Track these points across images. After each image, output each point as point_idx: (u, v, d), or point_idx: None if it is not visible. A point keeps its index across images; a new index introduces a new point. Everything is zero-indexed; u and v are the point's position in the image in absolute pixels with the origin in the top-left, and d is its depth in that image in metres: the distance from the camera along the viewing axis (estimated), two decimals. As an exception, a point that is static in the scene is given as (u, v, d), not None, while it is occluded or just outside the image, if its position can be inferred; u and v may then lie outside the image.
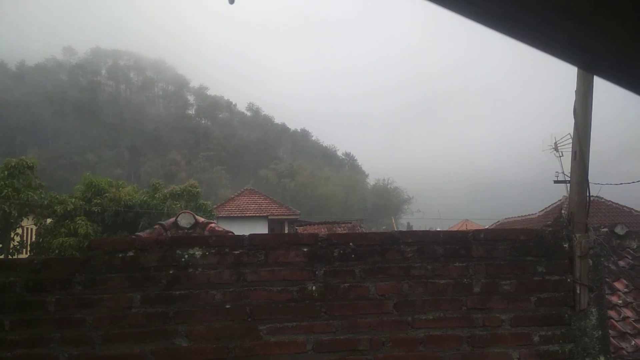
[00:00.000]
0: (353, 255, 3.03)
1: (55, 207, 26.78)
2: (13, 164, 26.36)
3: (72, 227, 26.86)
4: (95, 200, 29.53)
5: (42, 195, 26.97)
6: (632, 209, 25.71)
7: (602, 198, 23.68)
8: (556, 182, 22.02)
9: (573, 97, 3.26)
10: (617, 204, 25.58)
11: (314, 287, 2.98)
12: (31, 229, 30.85)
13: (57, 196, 28.35)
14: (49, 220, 28.02)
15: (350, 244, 3.05)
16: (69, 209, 27.33)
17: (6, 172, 25.88)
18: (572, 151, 3.33)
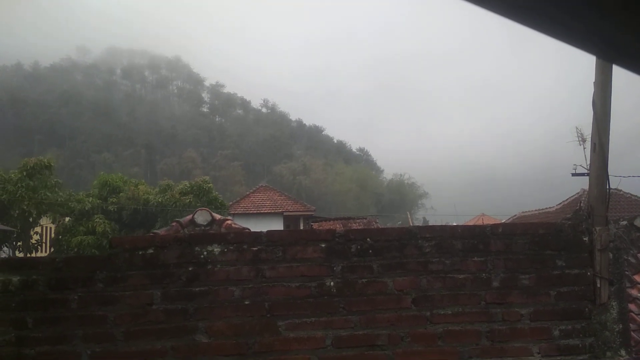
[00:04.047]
0: (371, 251, 3.04)
1: (72, 204, 27.09)
2: (31, 164, 26.72)
3: (90, 225, 27.19)
4: (111, 199, 29.85)
5: (60, 194, 27.30)
6: (651, 201, 25.35)
7: (621, 190, 23.37)
8: (574, 174, 21.76)
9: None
10: (636, 196, 25.24)
11: (332, 283, 2.99)
12: (50, 228, 31.27)
13: (74, 194, 28.69)
14: (67, 219, 28.39)
15: (368, 239, 3.05)
16: (86, 208, 27.65)
17: (24, 173, 26.24)
18: (591, 143, 3.30)
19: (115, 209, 29.35)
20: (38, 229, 28.97)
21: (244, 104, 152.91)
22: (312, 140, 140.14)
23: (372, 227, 27.02)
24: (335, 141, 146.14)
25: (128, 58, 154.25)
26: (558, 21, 0.70)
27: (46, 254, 28.13)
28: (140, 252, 2.93)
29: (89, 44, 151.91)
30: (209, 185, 32.36)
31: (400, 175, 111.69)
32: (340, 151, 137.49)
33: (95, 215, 27.84)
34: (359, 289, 3.00)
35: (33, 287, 2.84)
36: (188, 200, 29.54)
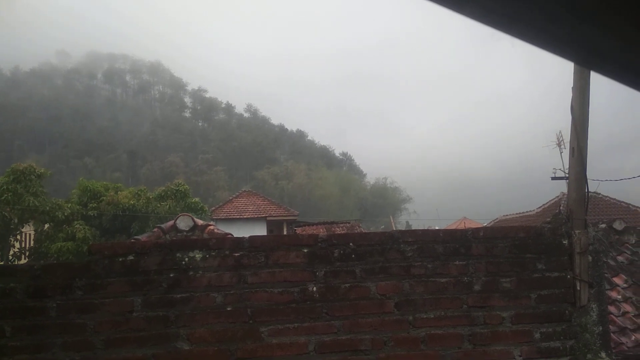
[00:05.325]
0: (353, 256, 3.04)
1: (57, 213, 26.69)
2: (21, 169, 26.25)
3: (70, 231, 26.83)
4: (91, 205, 29.52)
5: (44, 201, 26.84)
6: (629, 204, 25.75)
7: (600, 194, 23.69)
8: (554, 178, 21.97)
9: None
10: (614, 199, 25.63)
11: (314, 288, 2.98)
12: (30, 235, 30.78)
13: (57, 202, 28.27)
14: (46, 226, 27.95)
15: (351, 244, 3.05)
16: (66, 214, 27.26)
17: (11, 177, 25.76)
18: (569, 148, 3.34)
19: (96, 214, 29.03)
20: (18, 236, 28.49)
21: (227, 109, 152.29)
22: (296, 145, 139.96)
23: (356, 231, 27.04)
24: (319, 146, 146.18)
25: (109, 62, 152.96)
26: (536, 26, 0.70)
27: (25, 261, 27.66)
28: (120, 259, 2.89)
29: (69, 48, 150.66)
30: (185, 187, 32.22)
31: (384, 179, 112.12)
32: (323, 156, 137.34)
33: (75, 222, 27.48)
34: (341, 294, 3.00)
35: (11, 295, 2.79)
36: (167, 206, 29.38)
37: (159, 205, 29.79)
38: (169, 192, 30.96)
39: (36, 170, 26.75)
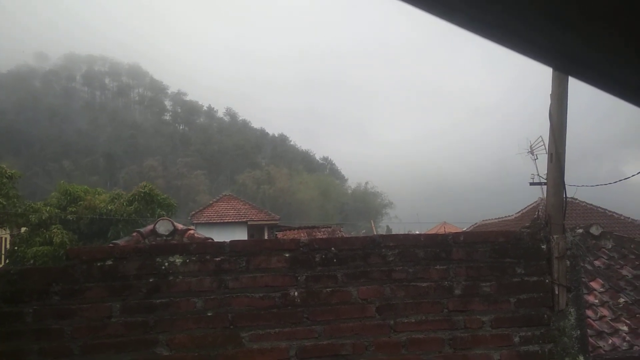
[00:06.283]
0: (335, 260, 3.03)
1: (30, 216, 26.23)
2: None
3: (47, 235, 26.41)
4: (70, 208, 29.14)
5: (17, 204, 26.36)
6: (605, 209, 26.13)
7: (577, 199, 24.02)
8: (532, 184, 22.22)
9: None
10: (591, 204, 25.96)
11: (296, 293, 2.97)
12: (5, 239, 30.22)
13: (32, 205, 27.79)
14: (23, 229, 27.49)
15: (332, 248, 3.05)
16: (44, 218, 26.84)
17: None
18: (548, 154, 3.38)
19: (74, 219, 28.66)
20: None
21: (208, 112, 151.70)
22: (277, 149, 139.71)
23: (337, 236, 27.05)
24: (300, 150, 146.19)
25: (87, 64, 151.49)
26: (516, 33, 0.71)
27: (1, 266, 27.14)
28: (98, 264, 2.85)
29: (47, 50, 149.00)
30: (149, 186, 32.12)
31: (366, 183, 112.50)
32: (304, 160, 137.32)
33: (53, 226, 27.07)
34: (323, 299, 2.99)
35: (-15, 300, 2.74)
36: (133, 208, 29.15)
37: (128, 209, 29.55)
38: (136, 197, 30.71)
39: (7, 172, 26.29)
